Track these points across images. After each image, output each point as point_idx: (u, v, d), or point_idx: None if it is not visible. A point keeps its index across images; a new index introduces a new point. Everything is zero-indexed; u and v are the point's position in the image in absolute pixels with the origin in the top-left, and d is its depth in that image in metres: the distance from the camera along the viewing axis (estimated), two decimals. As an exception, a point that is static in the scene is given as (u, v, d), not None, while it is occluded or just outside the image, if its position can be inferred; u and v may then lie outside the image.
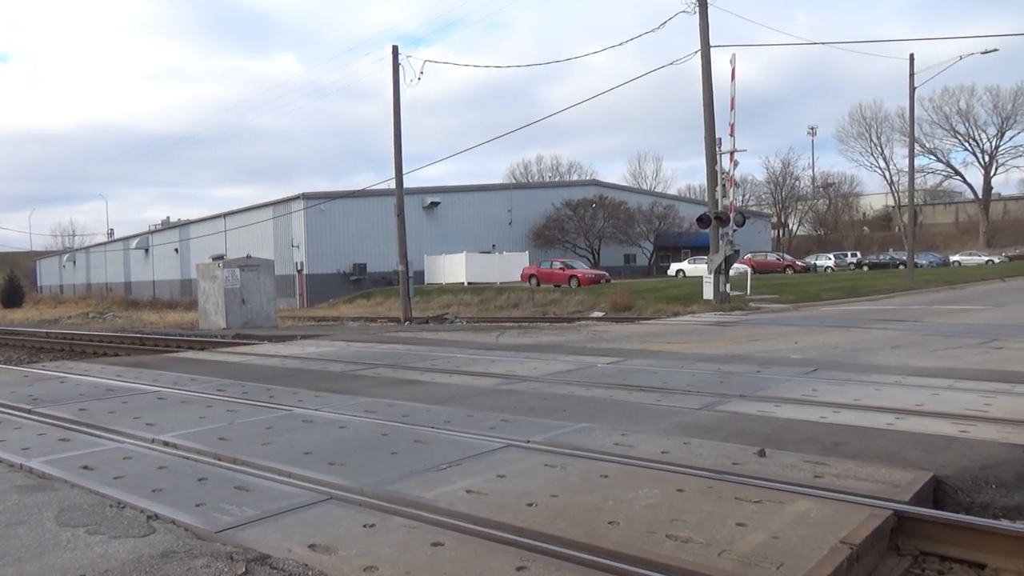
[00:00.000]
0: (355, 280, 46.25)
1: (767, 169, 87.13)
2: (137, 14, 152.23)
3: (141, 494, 4.28)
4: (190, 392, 8.26)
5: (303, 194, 46.17)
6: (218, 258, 24.44)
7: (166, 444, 5.62)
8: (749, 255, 46.24)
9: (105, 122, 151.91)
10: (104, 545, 3.51)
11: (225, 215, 54.31)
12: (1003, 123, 78.15)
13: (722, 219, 21.99)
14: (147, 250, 65.92)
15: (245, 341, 16.87)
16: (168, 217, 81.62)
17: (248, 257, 24.76)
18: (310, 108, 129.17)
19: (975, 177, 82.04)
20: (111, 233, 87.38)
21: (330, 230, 46.30)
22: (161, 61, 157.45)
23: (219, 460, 5.10)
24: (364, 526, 3.68)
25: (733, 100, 22.36)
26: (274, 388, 8.43)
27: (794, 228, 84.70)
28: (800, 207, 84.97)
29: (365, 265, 46.67)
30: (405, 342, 14.20)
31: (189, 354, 13.71)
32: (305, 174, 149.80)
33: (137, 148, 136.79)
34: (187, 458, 5.20)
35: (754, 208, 74.89)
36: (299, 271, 46.02)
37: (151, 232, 70.71)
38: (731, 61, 22.19)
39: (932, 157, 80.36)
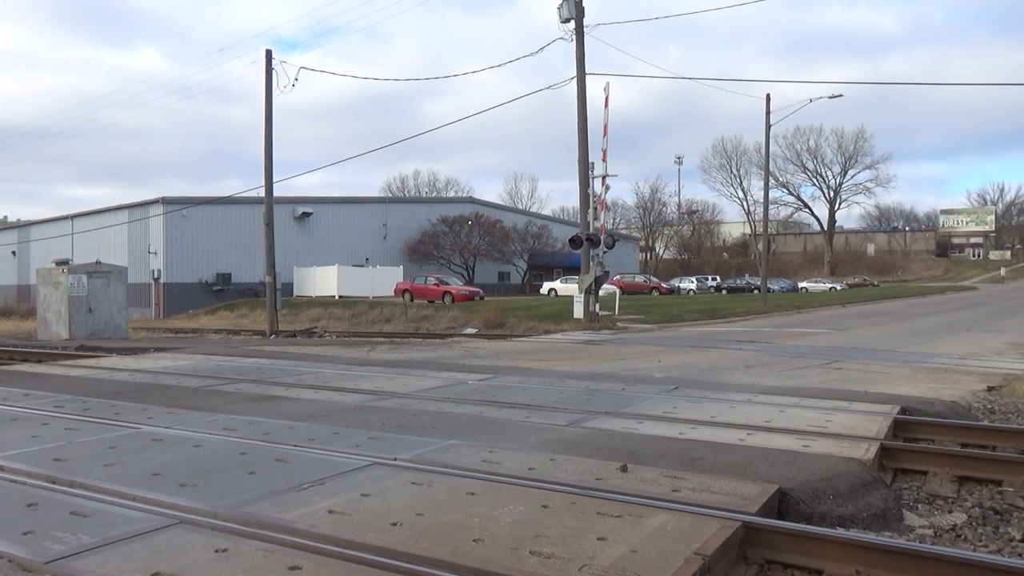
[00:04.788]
0: (218, 290, 44.05)
1: (637, 194, 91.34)
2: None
3: (-44, 522, 3.85)
4: (22, 408, 7.54)
5: (163, 198, 43.58)
6: (62, 263, 22.66)
7: (-9, 466, 5.09)
8: (618, 276, 47.89)
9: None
10: (-94, 582, 3.11)
11: (73, 216, 50.46)
12: (846, 162, 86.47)
13: (593, 241, 22.69)
14: (-21, 252, 59.97)
15: (91, 353, 15.62)
16: (6, 216, 74.69)
17: (98, 263, 23.10)
18: (175, 107, 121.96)
19: (822, 210, 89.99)
20: (-64, 231, 78.80)
21: (192, 237, 43.92)
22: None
23: (53, 483, 4.67)
24: (216, 551, 3.47)
25: (606, 127, 23.20)
26: (121, 404, 7.84)
27: (660, 252, 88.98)
28: (666, 232, 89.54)
29: (230, 275, 44.57)
30: (270, 356, 13.63)
31: (24, 367, 12.54)
32: (167, 177, 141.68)
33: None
34: (15, 481, 4.73)
35: (624, 231, 77.96)
36: (156, 279, 43.29)
37: (-15, 232, 64.44)
38: (605, 89, 23.04)
39: (785, 190, 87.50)
